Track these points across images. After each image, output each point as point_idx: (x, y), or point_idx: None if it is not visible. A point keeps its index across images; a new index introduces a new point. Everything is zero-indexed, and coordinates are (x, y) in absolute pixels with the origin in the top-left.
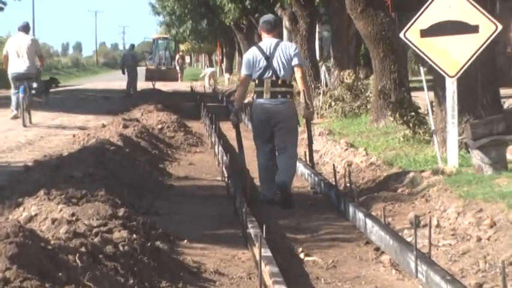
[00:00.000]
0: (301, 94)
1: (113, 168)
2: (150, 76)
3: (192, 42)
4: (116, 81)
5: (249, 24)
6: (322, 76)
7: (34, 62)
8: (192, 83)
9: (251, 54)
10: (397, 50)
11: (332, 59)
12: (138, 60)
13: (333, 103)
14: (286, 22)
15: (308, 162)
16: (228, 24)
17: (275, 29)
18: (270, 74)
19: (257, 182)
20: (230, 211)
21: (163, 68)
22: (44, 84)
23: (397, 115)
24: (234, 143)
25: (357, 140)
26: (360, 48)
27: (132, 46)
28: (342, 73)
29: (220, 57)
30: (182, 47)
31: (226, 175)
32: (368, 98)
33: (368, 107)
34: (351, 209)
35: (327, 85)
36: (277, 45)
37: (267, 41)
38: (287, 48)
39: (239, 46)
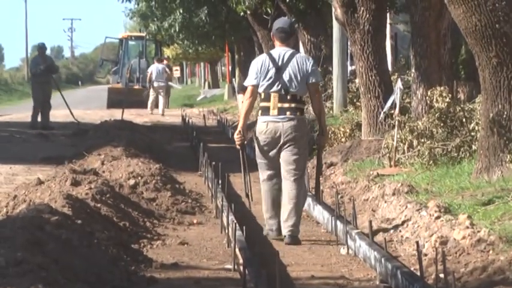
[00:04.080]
0: (318, 117)
1: (55, 252)
2: (116, 100)
3: (183, 45)
4: (60, 107)
5: (277, 13)
6: (396, 96)
7: None
8: (185, 111)
9: (260, 62)
10: None
11: (413, 70)
12: (55, 70)
13: (415, 141)
14: (337, 10)
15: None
16: (242, 14)
17: (291, 37)
18: (279, 87)
19: (291, 269)
20: None
21: (136, 86)
22: None
23: None
24: (254, 208)
25: (456, 203)
26: (459, 51)
27: (42, 48)
28: (429, 92)
29: (230, 68)
30: (167, 52)
31: (241, 261)
32: (473, 133)
33: (474, 147)
34: None
35: (405, 112)
36: (291, 56)
37: (280, 50)
38: (303, 63)
39: (261, 49)
